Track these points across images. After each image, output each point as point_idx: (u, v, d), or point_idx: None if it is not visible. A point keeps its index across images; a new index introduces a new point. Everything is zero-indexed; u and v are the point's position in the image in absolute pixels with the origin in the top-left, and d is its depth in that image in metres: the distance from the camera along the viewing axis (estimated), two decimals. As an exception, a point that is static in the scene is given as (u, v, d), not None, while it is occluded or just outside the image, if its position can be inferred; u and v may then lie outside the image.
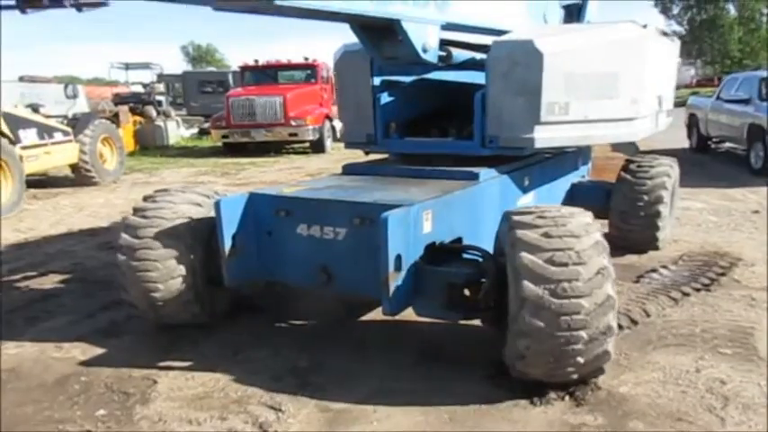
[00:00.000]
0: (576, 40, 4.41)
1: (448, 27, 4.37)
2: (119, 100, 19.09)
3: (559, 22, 5.98)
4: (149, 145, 17.70)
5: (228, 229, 3.71)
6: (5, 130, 8.92)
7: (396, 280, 3.22)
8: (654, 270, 5.16)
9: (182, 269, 3.76)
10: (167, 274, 3.74)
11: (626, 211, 5.50)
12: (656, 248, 5.63)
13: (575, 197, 5.84)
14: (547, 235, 2.91)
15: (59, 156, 10.26)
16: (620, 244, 5.60)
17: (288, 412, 3.01)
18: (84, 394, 3.29)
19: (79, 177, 10.88)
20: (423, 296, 3.38)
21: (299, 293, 4.53)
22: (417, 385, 3.24)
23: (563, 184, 5.77)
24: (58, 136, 10.25)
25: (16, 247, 6.61)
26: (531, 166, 4.92)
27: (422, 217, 3.43)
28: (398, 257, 3.23)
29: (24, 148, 9.25)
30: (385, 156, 5.15)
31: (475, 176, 4.18)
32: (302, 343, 3.86)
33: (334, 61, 5.06)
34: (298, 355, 3.67)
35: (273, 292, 4.51)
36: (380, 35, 4.06)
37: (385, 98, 4.78)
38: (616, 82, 4.48)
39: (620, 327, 3.89)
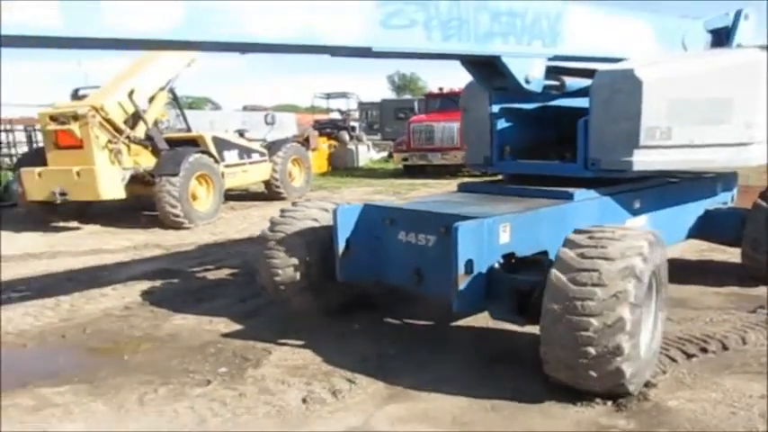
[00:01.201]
0: (684, 68, 4.53)
1: (560, 58, 4.74)
2: (318, 126, 21.11)
3: (705, 46, 5.92)
4: (341, 166, 19.36)
5: (343, 233, 4.39)
6: (213, 151, 10.62)
7: (464, 282, 3.65)
8: (775, 300, 4.94)
9: (298, 261, 4.54)
10: (286, 262, 4.56)
11: (757, 239, 5.31)
12: (793, 280, 5.33)
13: (707, 224, 5.75)
14: (582, 255, 3.19)
15: (255, 173, 11.87)
16: (754, 274, 5.42)
17: (360, 386, 3.60)
18: (216, 356, 4.15)
19: (270, 192, 12.45)
20: (496, 300, 3.78)
21: (411, 296, 5.07)
22: (474, 380, 3.63)
23: (694, 210, 5.70)
24: (255, 156, 11.87)
25: (206, 246, 7.96)
26: (645, 189, 5.02)
27: (498, 229, 3.82)
28: (469, 262, 3.66)
29: (227, 166, 10.90)
30: (499, 176, 5.56)
31: (570, 196, 4.46)
32: (397, 336, 4.41)
33: (462, 91, 5.59)
34: (389, 344, 4.23)
35: (388, 292, 5.10)
36: (487, 69, 4.55)
37: (501, 124, 5.19)
38: (727, 107, 4.49)
39: (704, 351, 3.98)
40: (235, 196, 12.41)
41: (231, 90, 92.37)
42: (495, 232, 3.81)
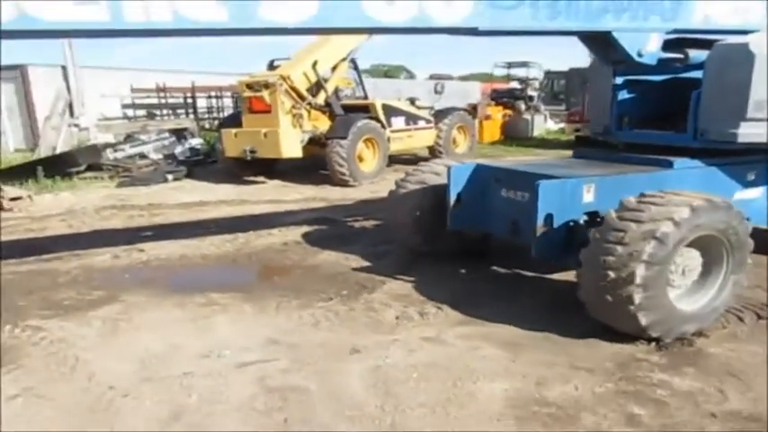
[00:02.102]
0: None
1: (682, 32, 4.95)
2: (495, 95, 21.50)
3: None
4: (515, 136, 19.61)
5: (455, 188, 5.09)
6: (381, 117, 11.66)
7: (544, 232, 4.18)
8: None
9: (412, 207, 5.36)
10: (405, 210, 5.38)
11: None
12: None
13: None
14: (621, 218, 3.64)
15: (420, 139, 12.75)
16: None
17: (444, 312, 4.36)
18: (342, 283, 5.10)
19: (433, 156, 13.24)
20: (572, 251, 4.26)
21: (518, 250, 5.61)
22: (538, 317, 4.20)
23: None
24: (421, 123, 12.74)
25: (363, 202, 9.02)
26: (760, 161, 5.05)
27: (582, 189, 4.30)
28: (549, 216, 4.20)
29: (393, 131, 11.89)
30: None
31: (670, 164, 4.73)
32: (490, 280, 5.08)
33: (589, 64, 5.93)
34: (481, 285, 4.91)
35: (499, 245, 5.68)
36: (600, 43, 4.90)
37: (622, 95, 5.50)
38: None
39: None
40: (403, 160, 13.39)
41: (434, 58, 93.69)
42: (578, 192, 4.29)
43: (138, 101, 20.79)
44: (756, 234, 5.26)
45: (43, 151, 14.18)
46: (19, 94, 19.71)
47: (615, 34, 4.67)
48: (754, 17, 5.08)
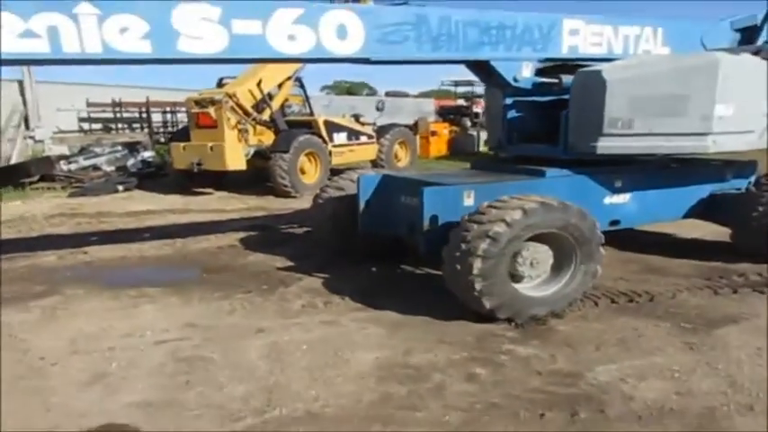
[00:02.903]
0: (647, 69, 5.37)
1: (553, 60, 5.77)
2: (441, 111, 22.42)
3: (730, 44, 6.57)
4: (462, 151, 20.49)
5: (364, 195, 5.79)
6: (323, 132, 12.36)
7: (429, 231, 4.90)
8: (741, 274, 5.62)
9: (330, 211, 6.11)
10: (324, 216, 6.15)
11: (743, 222, 5.95)
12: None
13: (710, 207, 6.39)
14: (469, 220, 4.47)
15: (361, 153, 13.50)
16: (743, 252, 6.06)
17: (345, 302, 5.05)
18: (264, 279, 5.75)
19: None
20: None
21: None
22: (424, 305, 4.88)
23: (695, 193, 6.35)
24: (363, 138, 13.49)
25: (301, 211, 9.62)
26: (629, 171, 5.85)
27: (462, 194, 5.02)
28: (434, 217, 4.91)
29: (335, 146, 12.61)
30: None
31: (543, 174, 5.51)
32: (394, 276, 5.78)
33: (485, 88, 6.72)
34: (385, 281, 5.62)
35: (404, 248, 6.38)
36: (483, 70, 5.68)
37: (511, 114, 6.27)
38: (684, 102, 5.26)
39: (631, 301, 4.95)
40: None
41: (398, 76, 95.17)
42: (459, 197, 5.02)
43: (94, 115, 21.17)
44: (626, 233, 6.13)
45: (-3, 163, 14.52)
46: (-26, 106, 19.96)
47: (493, 63, 5.47)
48: (616, 48, 5.96)
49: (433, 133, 19.60)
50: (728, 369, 3.71)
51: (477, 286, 4.27)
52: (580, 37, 5.80)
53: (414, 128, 15.67)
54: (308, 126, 12.46)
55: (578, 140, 5.50)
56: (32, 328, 4.53)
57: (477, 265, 4.25)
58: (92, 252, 6.90)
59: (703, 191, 6.41)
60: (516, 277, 4.61)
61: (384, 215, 5.78)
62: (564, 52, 5.76)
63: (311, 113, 13.82)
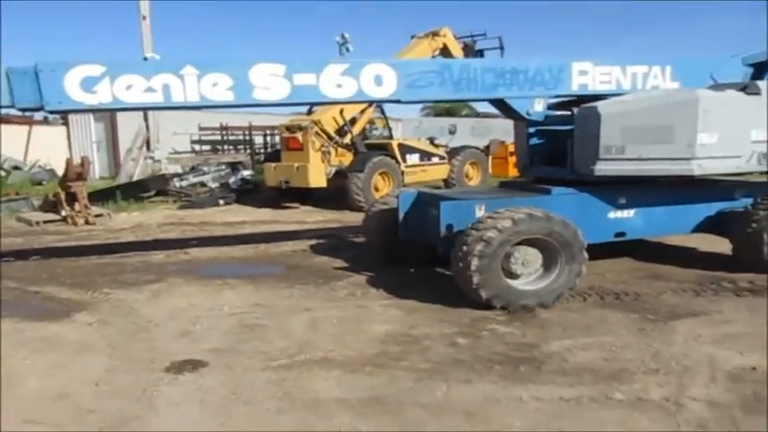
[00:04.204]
0: (638, 104, 6.35)
1: (563, 96, 6.85)
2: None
3: (742, 78, 7.35)
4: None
5: (403, 209, 7.08)
6: (397, 154, 13.76)
7: (445, 237, 6.10)
8: (732, 281, 6.41)
9: (379, 222, 7.42)
10: (374, 224, 7.46)
11: (742, 237, 6.73)
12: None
13: (717, 222, 7.16)
14: (471, 228, 5.61)
15: (433, 172, 14.78)
16: (742, 264, 6.81)
17: (379, 292, 6.33)
18: (321, 275, 7.14)
19: (447, 188, 15.23)
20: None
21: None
22: (447, 297, 6.05)
23: (703, 210, 7.15)
24: (434, 159, 14.78)
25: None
26: (633, 189, 6.77)
27: (474, 207, 6.20)
28: (450, 225, 6.12)
29: (408, 166, 13.97)
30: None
31: (548, 191, 6.58)
32: (426, 276, 6.98)
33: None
34: (418, 279, 6.84)
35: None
36: (501, 106, 6.85)
37: (533, 141, 7.38)
38: (670, 132, 6.20)
39: (618, 297, 5.92)
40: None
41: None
42: (472, 209, 6.19)
43: (204, 137, 23.71)
44: (627, 243, 7.04)
45: (122, 179, 16.98)
46: (107, 130, 23.42)
47: (507, 100, 6.61)
48: (625, 85, 6.92)
49: (511, 154, 20.47)
50: (660, 347, 4.68)
51: (475, 280, 5.43)
52: (589, 77, 6.80)
53: (485, 150, 16.72)
54: (384, 148, 13.89)
55: (580, 164, 6.55)
56: (143, 303, 6.13)
57: (475, 262, 5.41)
58: (192, 252, 8.61)
59: (711, 208, 7.15)
60: (513, 275, 5.71)
61: (418, 225, 7.02)
62: (574, 89, 6.79)
63: (390, 136, 15.26)
